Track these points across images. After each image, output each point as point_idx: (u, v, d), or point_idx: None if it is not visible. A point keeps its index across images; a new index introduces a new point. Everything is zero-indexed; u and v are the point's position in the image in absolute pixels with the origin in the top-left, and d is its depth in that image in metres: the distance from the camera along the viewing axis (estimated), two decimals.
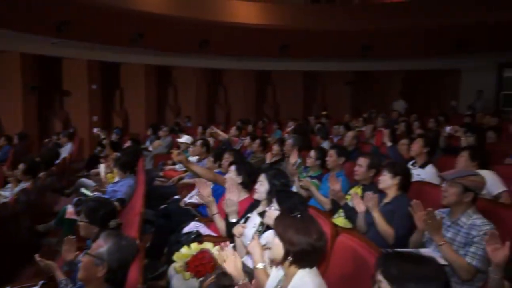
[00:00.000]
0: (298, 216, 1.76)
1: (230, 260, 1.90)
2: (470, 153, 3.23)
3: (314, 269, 1.71)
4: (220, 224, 2.91)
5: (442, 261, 2.16)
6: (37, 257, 2.35)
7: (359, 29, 10.88)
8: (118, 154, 4.88)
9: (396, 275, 1.25)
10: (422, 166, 3.72)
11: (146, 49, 10.16)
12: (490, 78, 11.95)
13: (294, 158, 4.10)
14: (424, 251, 2.27)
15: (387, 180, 2.82)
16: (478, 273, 2.12)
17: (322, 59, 12.01)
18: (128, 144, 6.30)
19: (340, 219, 3.28)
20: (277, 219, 1.81)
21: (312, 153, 4.04)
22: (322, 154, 3.98)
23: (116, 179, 4.11)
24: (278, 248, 1.71)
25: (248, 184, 3.15)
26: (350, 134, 5.25)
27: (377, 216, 2.66)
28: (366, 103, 12.43)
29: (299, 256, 1.67)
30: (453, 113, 9.97)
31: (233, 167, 3.22)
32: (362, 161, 3.26)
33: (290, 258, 1.69)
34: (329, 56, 11.69)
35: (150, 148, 7.41)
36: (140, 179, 3.97)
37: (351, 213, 3.10)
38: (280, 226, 1.73)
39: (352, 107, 12.82)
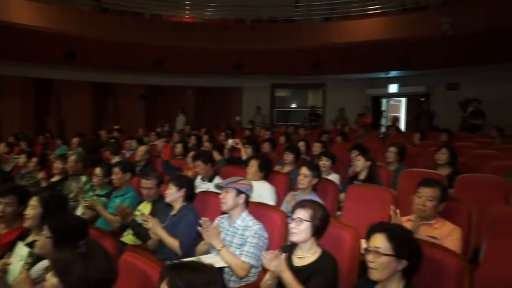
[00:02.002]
0: (82, 246, 1.54)
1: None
2: (259, 164, 3.64)
3: None
4: None
5: (222, 264, 2.37)
6: None
7: (151, 44, 10.99)
8: None
9: (182, 285, 1.28)
10: (210, 180, 3.98)
11: None
12: (266, 96, 13.98)
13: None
14: (207, 257, 2.42)
15: (173, 194, 2.90)
16: (253, 268, 2.40)
17: (114, 71, 11.57)
18: None
19: (129, 237, 3.20)
20: (56, 253, 1.57)
21: (98, 170, 3.79)
22: (109, 171, 3.79)
23: None
24: None
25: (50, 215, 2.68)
26: (142, 148, 5.20)
27: (160, 234, 2.72)
28: (160, 117, 12.62)
29: None
30: (239, 128, 11.18)
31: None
32: (152, 183, 3.25)
33: None
34: (121, 68, 11.36)
35: None
36: None
37: (139, 229, 3.05)
38: (58, 264, 1.50)
39: (146, 121, 12.76)
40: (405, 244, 1.67)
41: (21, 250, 2.17)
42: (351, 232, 2.24)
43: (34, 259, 2.08)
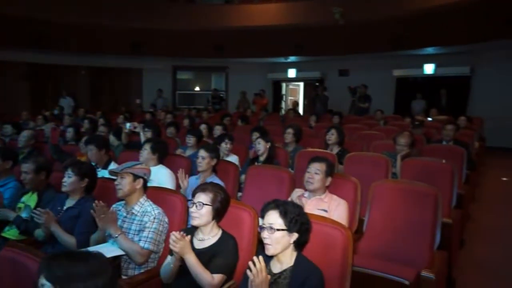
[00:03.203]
0: None
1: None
2: (151, 147, 3.51)
3: None
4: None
5: (119, 252, 2.27)
6: None
7: (29, 16, 9.84)
8: None
9: (61, 275, 1.18)
10: (105, 167, 3.75)
11: None
12: (168, 78, 13.57)
13: None
14: (102, 247, 2.30)
15: (73, 183, 2.64)
16: (152, 254, 2.35)
17: None
18: None
19: (13, 231, 2.88)
20: None
21: None
22: None
23: None
24: None
25: None
26: (26, 133, 4.67)
27: (54, 231, 2.50)
28: (49, 99, 11.46)
29: None
30: (139, 111, 10.69)
31: None
32: (27, 167, 2.96)
33: None
34: None
35: None
36: None
37: (26, 225, 2.76)
38: None
39: (31, 104, 11.48)
40: (295, 219, 1.78)
41: None
42: (250, 212, 2.31)
43: None
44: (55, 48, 10.85)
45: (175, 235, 1.91)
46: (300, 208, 1.86)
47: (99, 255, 1.32)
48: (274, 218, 1.77)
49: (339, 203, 2.64)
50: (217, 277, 1.96)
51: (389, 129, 6.33)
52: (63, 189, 2.67)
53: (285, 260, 1.80)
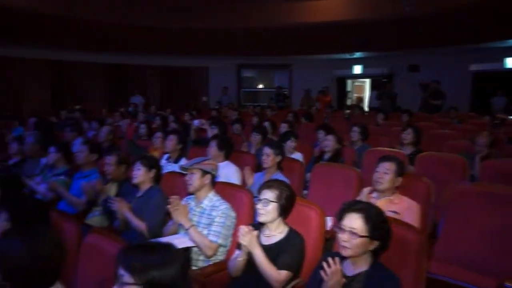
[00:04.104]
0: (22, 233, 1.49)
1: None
2: (217, 144, 3.61)
3: (57, 284, 1.53)
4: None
5: (190, 244, 2.37)
6: None
7: (100, 21, 10.58)
8: None
9: (138, 266, 1.26)
10: (176, 161, 3.94)
11: None
12: (232, 76, 13.85)
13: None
14: (174, 237, 2.42)
15: (142, 175, 2.83)
16: (220, 247, 2.42)
17: (75, 49, 11.08)
18: None
19: (95, 219, 3.14)
20: None
21: (52, 148, 3.66)
22: (63, 147, 3.70)
23: None
24: None
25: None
26: (105, 129, 5.04)
27: (127, 216, 2.68)
28: (123, 97, 12.24)
29: (32, 280, 1.44)
30: (206, 108, 11.06)
31: None
32: (110, 159, 3.18)
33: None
34: (81, 46, 10.90)
35: None
36: None
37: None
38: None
39: (109, 101, 12.36)
40: (379, 226, 1.70)
41: None
42: (317, 211, 2.29)
43: None
44: (131, 50, 11.58)
45: (243, 228, 1.95)
46: (383, 214, 1.78)
47: (171, 246, 1.39)
48: (356, 223, 1.69)
49: (410, 204, 2.52)
50: (283, 273, 1.97)
51: (464, 128, 5.92)
52: (134, 181, 2.86)
53: (360, 263, 1.73)
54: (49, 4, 9.96)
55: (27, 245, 1.43)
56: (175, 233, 2.55)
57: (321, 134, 4.56)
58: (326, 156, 3.96)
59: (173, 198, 2.38)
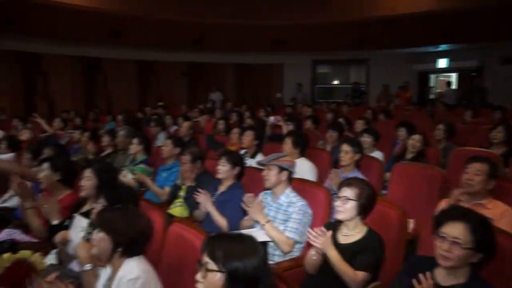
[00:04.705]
0: (121, 207, 1.80)
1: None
2: (293, 140, 3.60)
3: (141, 256, 1.75)
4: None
5: (266, 238, 2.41)
6: None
7: (193, 21, 11.10)
8: None
9: (221, 255, 1.32)
10: (253, 156, 4.03)
11: None
12: (307, 73, 13.73)
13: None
14: (251, 231, 2.47)
15: (227, 171, 2.92)
16: (296, 244, 2.43)
17: (157, 49, 11.80)
18: None
19: (176, 209, 3.29)
20: (100, 213, 1.81)
21: (135, 139, 3.97)
22: (145, 139, 4.00)
23: None
24: (104, 242, 1.70)
25: (69, 180, 2.88)
26: (186, 124, 5.31)
27: (210, 210, 2.77)
28: (201, 94, 12.77)
29: (129, 245, 1.70)
30: (279, 104, 11.12)
31: (46, 164, 2.86)
32: (184, 159, 3.32)
33: (120, 249, 1.69)
34: (163, 46, 11.57)
35: None
36: None
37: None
38: (104, 219, 1.74)
39: (188, 98, 12.98)
40: (485, 237, 1.56)
41: (81, 222, 2.31)
42: (399, 212, 2.19)
43: (94, 228, 2.21)
44: (208, 48, 12.04)
45: (314, 231, 1.91)
46: (489, 223, 1.63)
47: (251, 237, 1.43)
48: (460, 233, 1.55)
49: (505, 210, 2.30)
50: (361, 274, 1.91)
51: None
52: (218, 176, 2.96)
53: (459, 275, 1.60)
54: (142, 6, 10.80)
55: (126, 217, 1.73)
56: (251, 227, 2.61)
57: (402, 132, 4.36)
58: (409, 156, 3.77)
59: (247, 196, 2.43)
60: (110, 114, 8.59)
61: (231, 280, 1.31)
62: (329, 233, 1.93)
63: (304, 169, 3.42)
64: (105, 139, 4.72)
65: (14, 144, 4.44)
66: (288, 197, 2.53)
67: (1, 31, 9.11)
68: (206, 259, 1.35)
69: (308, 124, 5.82)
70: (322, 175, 3.53)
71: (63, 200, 2.71)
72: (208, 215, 2.85)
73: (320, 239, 1.89)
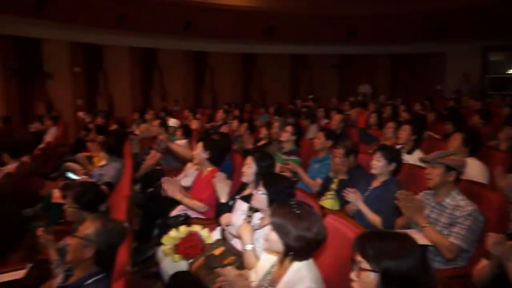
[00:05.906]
0: (296, 207, 1.65)
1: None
2: (464, 137, 3.21)
3: (311, 260, 1.67)
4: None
5: (425, 242, 2.22)
6: (39, 231, 2.31)
7: (344, 13, 10.92)
8: (104, 137, 4.82)
9: (373, 253, 1.28)
10: (409, 152, 3.76)
11: (129, 31, 9.98)
12: (475, 61, 12.08)
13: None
14: (409, 232, 2.31)
15: (382, 167, 2.79)
16: (462, 252, 2.18)
17: (308, 43, 12.01)
18: (114, 127, 6.20)
19: (328, 201, 3.30)
20: (275, 211, 1.67)
21: (289, 128, 4.10)
22: (298, 130, 4.13)
23: (103, 162, 4.06)
24: (276, 243, 1.64)
25: (216, 160, 3.30)
26: (338, 117, 5.27)
27: (361, 209, 2.70)
28: (352, 86, 12.50)
29: (300, 251, 1.61)
30: (440, 97, 10.09)
31: (200, 143, 3.32)
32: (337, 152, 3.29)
33: (291, 254, 1.62)
34: (315, 39, 11.70)
35: (137, 132, 7.31)
36: (127, 162, 3.93)
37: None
38: (278, 220, 1.63)
39: (338, 91, 12.86)
40: None
41: (242, 206, 2.53)
42: None
43: (253, 211, 2.39)
44: (361, 40, 11.70)
45: (496, 237, 1.69)
46: None
47: (408, 236, 1.34)
48: None
49: None
50: None
51: None
52: (373, 171, 2.85)
53: None
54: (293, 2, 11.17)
55: (300, 221, 1.59)
56: (406, 226, 2.45)
57: None
58: None
59: (404, 193, 2.26)
60: (264, 106, 9.13)
61: (385, 281, 1.26)
62: (510, 243, 1.68)
63: (475, 170, 3.02)
64: (263, 131, 5.03)
65: (187, 132, 5.10)
66: (454, 199, 2.28)
67: (182, 34, 10.59)
68: (359, 257, 1.33)
69: (476, 119, 5.13)
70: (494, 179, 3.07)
71: (208, 175, 3.18)
72: (359, 211, 2.78)
73: (500, 247, 1.68)
